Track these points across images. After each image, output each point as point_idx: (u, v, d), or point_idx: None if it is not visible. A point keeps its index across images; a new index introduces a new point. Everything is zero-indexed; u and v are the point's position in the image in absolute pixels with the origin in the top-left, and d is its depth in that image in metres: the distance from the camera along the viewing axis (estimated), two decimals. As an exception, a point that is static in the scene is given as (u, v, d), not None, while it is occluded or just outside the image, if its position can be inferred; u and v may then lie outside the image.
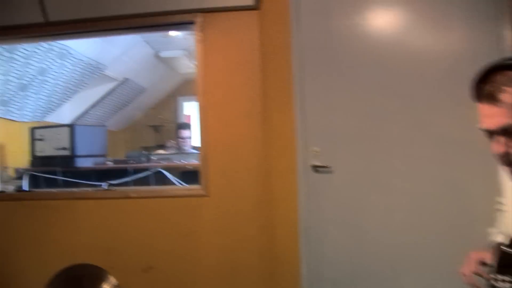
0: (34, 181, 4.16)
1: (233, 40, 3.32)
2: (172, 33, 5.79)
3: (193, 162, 4.22)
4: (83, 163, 4.12)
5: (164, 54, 7.03)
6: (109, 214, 3.41)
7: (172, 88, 9.75)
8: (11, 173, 5.37)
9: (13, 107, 5.36)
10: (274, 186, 3.24)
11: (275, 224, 3.24)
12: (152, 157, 4.31)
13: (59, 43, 4.84)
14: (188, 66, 7.81)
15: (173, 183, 4.01)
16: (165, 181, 4.05)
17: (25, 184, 4.12)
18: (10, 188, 4.26)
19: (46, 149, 4.19)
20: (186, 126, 5.44)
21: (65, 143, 4.08)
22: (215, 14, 3.34)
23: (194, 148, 5.57)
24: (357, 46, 3.13)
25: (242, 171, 3.28)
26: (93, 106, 7.28)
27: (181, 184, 3.92)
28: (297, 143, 3.17)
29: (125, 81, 7.25)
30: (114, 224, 3.40)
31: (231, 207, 3.29)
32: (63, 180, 4.05)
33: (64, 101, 6.27)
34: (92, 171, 4.16)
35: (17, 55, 4.52)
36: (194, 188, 3.41)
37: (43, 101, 5.75)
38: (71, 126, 4.13)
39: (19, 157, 5.81)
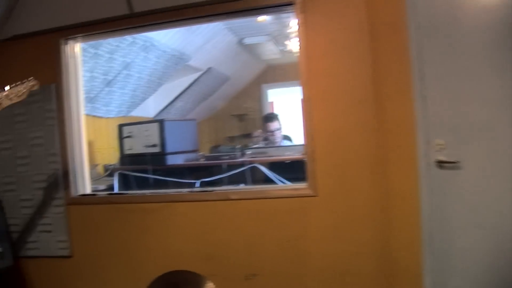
0: (124, 180, 3.98)
1: (338, 21, 2.90)
2: (259, 18, 5.48)
3: (288, 155, 3.87)
4: (174, 160, 3.88)
5: (248, 41, 6.70)
6: (207, 217, 3.13)
7: (255, 75, 9.44)
8: (100, 170, 5.30)
9: (99, 104, 5.25)
10: (391, 184, 2.81)
11: (393, 227, 2.81)
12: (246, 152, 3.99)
13: (143, 36, 4.63)
14: (272, 52, 7.47)
15: (271, 180, 3.68)
16: (262, 176, 3.73)
17: (115, 184, 3.95)
18: (101, 187, 4.13)
19: (135, 146, 3.99)
20: (274, 117, 5.04)
21: (155, 139, 3.85)
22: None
23: (286, 138, 5.21)
24: (488, 20, 2.59)
25: (353, 167, 2.88)
26: (177, 98, 7.12)
27: (281, 181, 3.58)
28: (417, 135, 2.70)
29: (208, 70, 7.02)
30: (212, 228, 3.12)
31: (342, 207, 2.90)
32: (154, 178, 3.83)
33: (148, 95, 6.13)
34: (183, 168, 3.92)
35: (101, 50, 4.35)
36: (300, 187, 3.05)
37: (128, 96, 5.62)
38: (160, 122, 3.88)
39: (106, 154, 5.75)
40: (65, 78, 3.34)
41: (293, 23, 5.30)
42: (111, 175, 4.86)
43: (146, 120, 6.95)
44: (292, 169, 3.75)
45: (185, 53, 5.75)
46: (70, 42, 3.40)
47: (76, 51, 3.45)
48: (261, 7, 3.06)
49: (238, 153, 3.92)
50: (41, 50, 3.42)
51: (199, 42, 5.85)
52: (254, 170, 3.75)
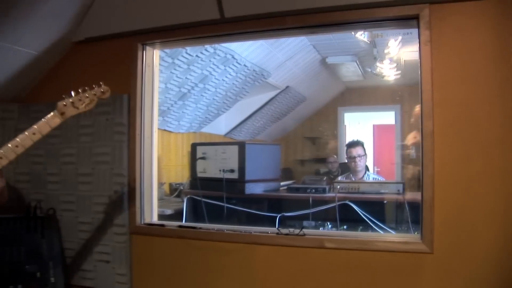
0: (194, 205, 3.52)
1: (474, 39, 2.31)
2: (344, 35, 4.98)
3: (383, 192, 3.29)
4: (253, 189, 3.38)
5: (331, 60, 6.19)
6: (295, 266, 2.56)
7: (332, 97, 8.90)
8: (166, 189, 4.89)
9: (171, 118, 4.87)
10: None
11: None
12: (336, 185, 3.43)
13: (224, 47, 4.21)
14: (355, 74, 6.90)
15: (362, 220, 3.11)
16: (352, 216, 3.18)
17: (184, 209, 3.49)
18: (168, 211, 3.69)
19: (209, 169, 3.52)
20: (358, 143, 4.51)
21: (233, 164, 3.37)
22: (445, 5, 2.37)
23: (367, 169, 4.63)
24: None
25: (484, 222, 2.26)
26: (251, 116, 6.68)
27: (377, 223, 3.00)
28: None
29: (286, 89, 6.55)
30: (300, 281, 2.56)
31: (465, 271, 2.28)
32: (229, 207, 3.35)
33: (222, 112, 5.71)
34: (263, 199, 3.43)
35: (179, 60, 3.95)
36: (411, 239, 2.45)
37: (201, 111, 5.22)
38: (241, 145, 3.41)
39: (174, 171, 5.35)
40: (140, 88, 2.90)
41: (392, 43, 4.75)
42: (178, 195, 4.44)
43: (219, 139, 6.63)
44: (390, 211, 3.21)
45: (266, 69, 5.30)
46: (148, 48, 2.95)
47: (154, 58, 3.01)
48: (379, 19, 2.50)
49: (325, 186, 3.38)
50: (116, 55, 2.99)
51: (281, 59, 5.39)
52: (345, 207, 3.20)
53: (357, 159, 4.43)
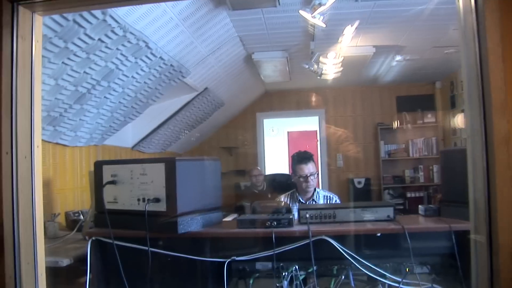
0: (103, 251, 2.43)
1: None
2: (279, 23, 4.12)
3: (369, 221, 2.40)
4: (189, 224, 2.34)
5: (258, 56, 5.29)
6: None
7: (251, 102, 8.05)
8: (62, 221, 3.72)
9: (65, 127, 3.70)
10: None
11: None
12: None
13: (137, 31, 3.14)
14: (281, 73, 6.04)
15: (341, 258, 2.24)
16: (330, 254, 2.28)
17: (88, 257, 2.38)
18: (65, 261, 2.58)
19: (122, 198, 2.43)
20: (308, 158, 3.60)
21: (158, 190, 2.31)
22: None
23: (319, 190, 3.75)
24: None
25: None
26: (163, 124, 5.60)
27: (367, 265, 2.12)
28: None
29: (204, 91, 5.55)
30: None
31: None
32: (155, 252, 2.30)
33: (130, 118, 4.59)
34: (204, 239, 2.40)
35: (76, 45, 2.83)
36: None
37: (104, 118, 4.07)
38: (169, 162, 2.35)
39: (72, 196, 4.16)
40: (9, 76, 1.77)
41: (348, 30, 3.93)
42: (80, 229, 3.30)
43: (126, 153, 5.52)
44: (381, 246, 2.36)
45: (184, 66, 4.27)
46: (23, 10, 1.81)
47: (35, 29, 1.86)
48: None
49: (290, 217, 2.43)
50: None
51: (203, 52, 4.40)
52: (318, 244, 2.27)
53: (310, 178, 3.55)
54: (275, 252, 2.27)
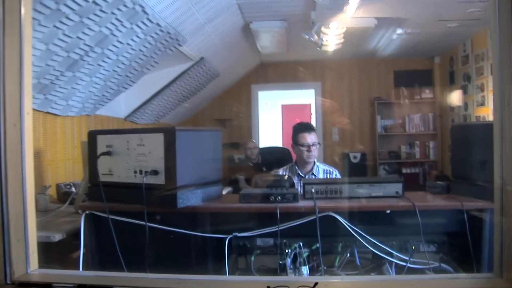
0: (98, 225, 2.31)
1: None
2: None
3: (376, 196, 2.30)
4: (189, 199, 2.22)
5: (256, 26, 5.11)
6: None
7: (247, 73, 7.87)
8: (53, 193, 3.60)
9: (56, 95, 3.54)
10: None
11: None
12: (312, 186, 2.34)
13: (132, -6, 2.98)
14: (278, 44, 5.87)
15: (351, 239, 2.15)
16: (336, 231, 2.18)
17: (82, 232, 2.26)
18: (57, 236, 2.45)
19: (118, 170, 2.30)
20: (310, 128, 3.50)
21: (156, 162, 2.19)
22: None
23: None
24: None
25: None
26: (157, 95, 5.44)
27: (381, 246, 2.03)
28: None
29: (200, 61, 5.38)
30: None
31: None
32: (154, 228, 2.19)
33: (124, 88, 4.43)
34: (204, 214, 2.29)
35: (68, 7, 2.66)
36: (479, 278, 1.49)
37: (97, 86, 3.91)
38: (169, 133, 2.22)
39: (63, 167, 4.03)
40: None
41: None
42: (72, 202, 3.17)
43: (119, 123, 5.36)
44: (388, 223, 2.27)
45: (181, 34, 4.11)
46: None
47: None
48: None
49: (295, 191, 2.32)
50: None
51: (200, 20, 4.23)
52: (324, 221, 2.17)
53: (312, 148, 3.46)
54: (280, 228, 2.16)
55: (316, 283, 1.32)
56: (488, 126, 2.40)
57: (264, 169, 5.98)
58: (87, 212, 2.30)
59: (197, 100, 7.10)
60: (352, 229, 2.15)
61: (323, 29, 4.49)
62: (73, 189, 3.62)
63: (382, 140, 7.81)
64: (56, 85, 3.39)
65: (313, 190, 2.34)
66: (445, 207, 2.23)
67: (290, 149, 6.15)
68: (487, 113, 5.85)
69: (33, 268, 1.68)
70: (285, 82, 8.04)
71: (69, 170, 4.09)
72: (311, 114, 10.30)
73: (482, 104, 5.99)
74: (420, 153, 7.70)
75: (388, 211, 2.21)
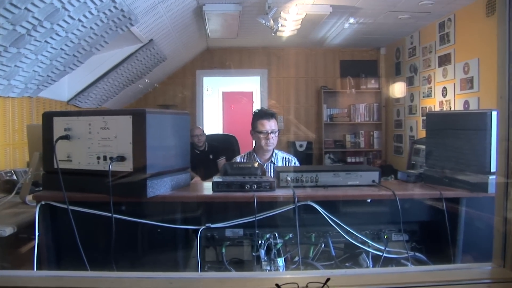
0: (55, 217, 2.10)
1: None
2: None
3: (353, 185, 2.23)
4: (159, 187, 2.06)
5: (209, 8, 4.94)
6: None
7: (192, 58, 7.67)
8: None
9: (-3, 74, 3.24)
10: None
11: None
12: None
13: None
14: (229, 28, 5.73)
15: (328, 224, 2.07)
16: (313, 221, 2.10)
17: (36, 225, 2.04)
18: (7, 231, 2.20)
19: (78, 156, 2.09)
20: (270, 114, 3.40)
21: (123, 147, 2.00)
22: None
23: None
24: None
25: None
26: (103, 77, 5.16)
27: (359, 236, 1.96)
28: None
29: (149, 43, 5.14)
30: None
31: None
32: (120, 219, 2.00)
33: (70, 68, 4.14)
34: (174, 204, 2.13)
35: (18, -27, 2.40)
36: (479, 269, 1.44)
37: (42, 66, 3.62)
38: (138, 115, 2.03)
39: (3, 153, 3.72)
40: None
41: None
42: (18, 192, 2.89)
43: (61, 107, 5.03)
44: (362, 212, 2.24)
45: (134, 12, 3.87)
46: None
47: None
48: None
49: (271, 180, 2.20)
50: None
51: (154, -1, 4.01)
52: (301, 210, 2.08)
53: (271, 136, 3.37)
54: (257, 218, 2.04)
55: (328, 279, 1.21)
56: (463, 115, 2.38)
57: (211, 157, 5.84)
58: (43, 202, 2.07)
59: (139, 85, 6.83)
60: (330, 218, 2.07)
61: (282, 14, 4.37)
62: (14, 177, 3.33)
63: (328, 129, 7.85)
64: (-2, 63, 3.09)
65: (288, 178, 2.24)
66: (424, 196, 2.19)
67: (236, 137, 6.09)
68: (434, 104, 5.97)
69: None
70: (231, 68, 7.90)
71: (10, 156, 3.78)
72: (252, 102, 10.23)
73: (429, 95, 6.11)
74: (365, 142, 7.80)
75: (369, 200, 2.14)
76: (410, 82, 6.77)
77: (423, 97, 6.30)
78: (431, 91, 6.03)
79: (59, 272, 1.58)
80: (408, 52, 6.79)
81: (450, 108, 5.48)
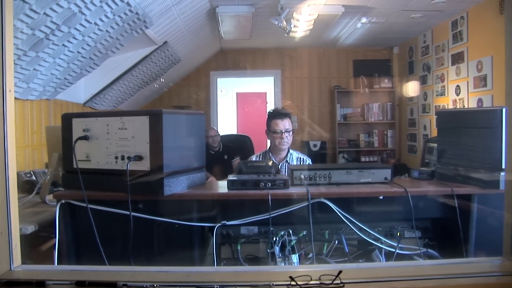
0: (74, 216, 2.16)
1: None
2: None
3: (365, 182, 2.26)
4: (175, 185, 2.11)
5: (222, 10, 4.99)
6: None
7: (206, 59, 7.73)
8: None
9: (17, 77, 3.32)
10: None
11: None
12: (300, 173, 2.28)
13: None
14: (243, 30, 5.78)
15: (340, 221, 2.10)
16: (326, 218, 2.14)
17: (56, 223, 2.10)
18: (29, 229, 2.26)
19: (97, 156, 2.15)
20: (285, 114, 3.43)
21: (141, 147, 2.06)
22: None
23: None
24: None
25: None
26: (118, 79, 5.23)
27: (373, 233, 1.99)
28: None
29: (164, 45, 5.21)
30: None
31: None
32: (138, 217, 2.06)
33: (86, 71, 4.21)
34: (191, 202, 2.18)
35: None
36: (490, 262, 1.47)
37: (60, 69, 3.70)
38: (155, 116, 2.08)
39: (22, 155, 3.80)
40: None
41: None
42: (37, 192, 2.96)
43: (78, 108, 5.13)
44: (376, 209, 2.23)
45: (149, 15, 3.94)
46: None
47: None
48: None
49: (285, 177, 2.24)
50: None
51: (169, 1, 4.07)
52: (315, 207, 2.11)
53: (285, 135, 3.41)
54: (271, 215, 2.08)
55: (340, 271, 1.25)
56: (474, 113, 2.40)
57: (226, 157, 5.89)
58: (63, 201, 2.13)
59: (154, 86, 6.90)
60: (343, 215, 2.10)
61: (294, 14, 4.41)
62: (34, 177, 3.41)
63: (342, 128, 7.86)
64: (18, 66, 3.17)
65: (302, 176, 2.27)
66: (436, 193, 2.21)
67: (250, 137, 6.12)
68: (447, 102, 5.96)
69: (17, 264, 1.53)
70: (244, 69, 7.95)
71: (29, 157, 3.87)
72: (266, 102, 10.26)
73: (442, 94, 6.10)
74: (379, 141, 7.79)
75: (381, 197, 2.17)
76: (423, 81, 6.77)
77: (437, 95, 6.29)
78: (445, 89, 6.02)
79: (78, 267, 1.63)
80: (421, 51, 6.79)
81: (464, 106, 5.47)
